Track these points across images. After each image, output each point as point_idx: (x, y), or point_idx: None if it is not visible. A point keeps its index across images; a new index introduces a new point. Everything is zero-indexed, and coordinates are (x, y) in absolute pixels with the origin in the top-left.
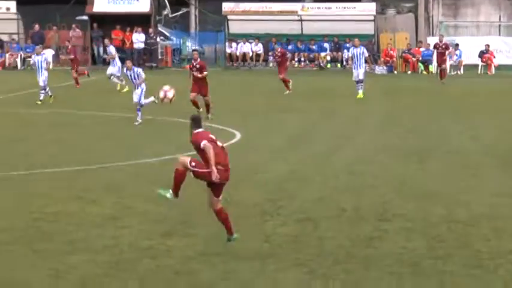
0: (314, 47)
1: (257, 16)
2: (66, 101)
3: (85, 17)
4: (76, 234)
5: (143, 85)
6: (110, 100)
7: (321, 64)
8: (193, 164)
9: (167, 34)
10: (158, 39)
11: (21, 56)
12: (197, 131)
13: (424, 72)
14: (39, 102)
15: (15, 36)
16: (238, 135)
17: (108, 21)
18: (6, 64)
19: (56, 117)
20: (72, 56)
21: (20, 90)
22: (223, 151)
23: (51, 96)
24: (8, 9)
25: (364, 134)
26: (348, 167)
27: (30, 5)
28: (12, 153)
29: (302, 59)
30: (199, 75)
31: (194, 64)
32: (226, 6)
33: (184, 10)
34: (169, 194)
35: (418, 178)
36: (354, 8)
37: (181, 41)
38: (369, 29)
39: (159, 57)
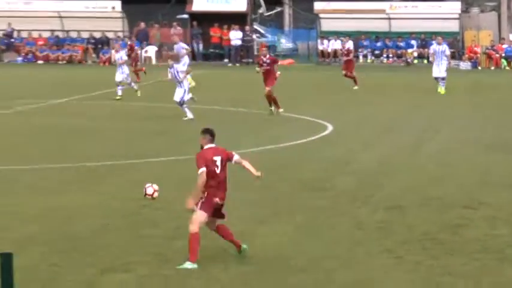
0: (401, 44)
1: (347, 14)
2: (154, 95)
3: (185, 16)
4: (178, 220)
5: (185, 83)
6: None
7: (408, 60)
8: (199, 206)
9: (262, 31)
10: (254, 36)
11: (126, 52)
12: (207, 147)
13: (507, 68)
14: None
15: (120, 34)
16: (330, 127)
17: (206, 19)
18: (112, 60)
19: (149, 111)
20: (130, 52)
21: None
22: (223, 175)
23: (121, 95)
24: (113, 8)
25: (449, 126)
26: (434, 157)
27: (134, 3)
28: (117, 143)
29: (390, 55)
30: (274, 77)
31: (264, 60)
32: (318, 5)
33: (278, 9)
34: (189, 265)
35: (502, 169)
36: (440, 6)
37: (276, 38)
38: (453, 26)
39: (255, 53)
